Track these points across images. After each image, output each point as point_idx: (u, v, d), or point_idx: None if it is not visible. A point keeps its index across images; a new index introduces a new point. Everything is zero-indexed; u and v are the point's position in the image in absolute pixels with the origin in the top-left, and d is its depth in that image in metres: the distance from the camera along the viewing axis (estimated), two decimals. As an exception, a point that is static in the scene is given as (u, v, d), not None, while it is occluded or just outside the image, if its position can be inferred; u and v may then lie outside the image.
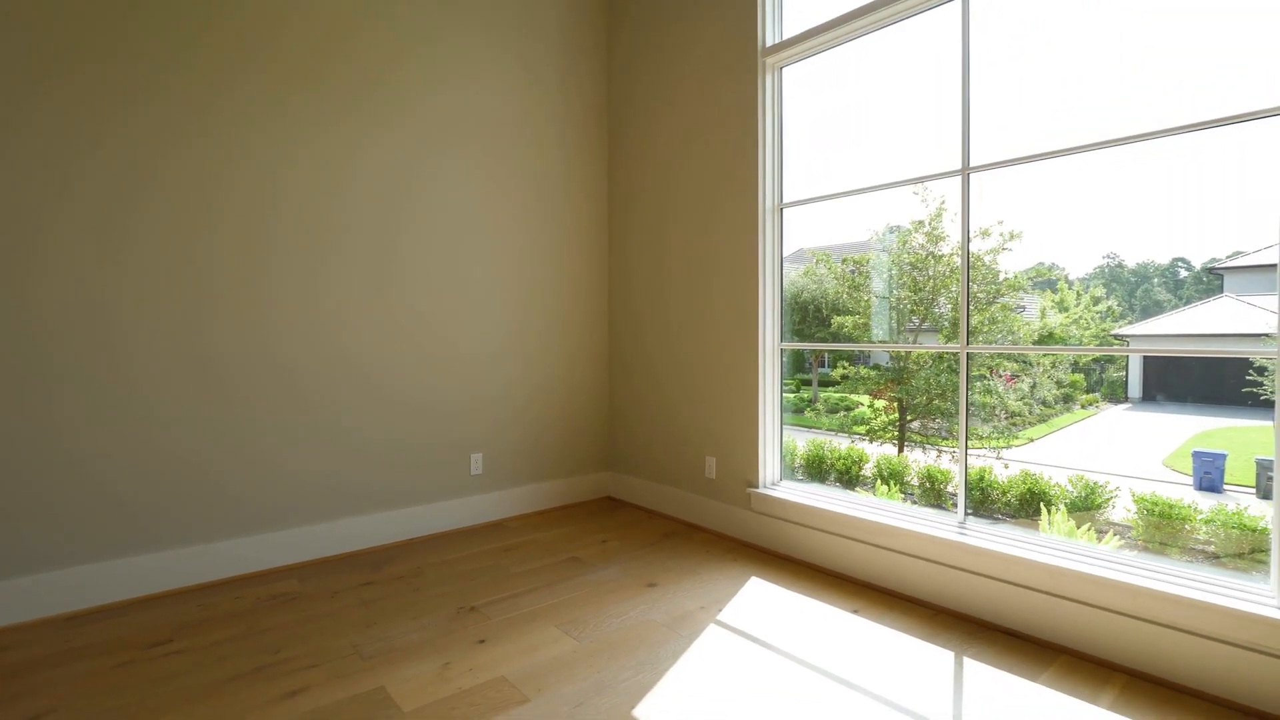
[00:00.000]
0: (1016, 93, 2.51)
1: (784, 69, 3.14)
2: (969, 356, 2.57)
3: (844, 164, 3.14)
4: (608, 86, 4.05)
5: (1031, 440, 3.67)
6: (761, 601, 2.54)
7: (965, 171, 2.50)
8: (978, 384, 3.89)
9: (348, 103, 3.07)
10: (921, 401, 3.93)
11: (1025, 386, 3.80)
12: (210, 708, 1.84)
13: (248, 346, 2.82)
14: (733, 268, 3.27)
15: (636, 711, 1.81)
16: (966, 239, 2.54)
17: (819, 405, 4.52)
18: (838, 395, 4.49)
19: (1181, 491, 2.85)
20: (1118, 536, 3.12)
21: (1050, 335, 3.43)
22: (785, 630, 2.29)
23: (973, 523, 2.51)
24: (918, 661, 2.08)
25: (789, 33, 3.09)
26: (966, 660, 2.08)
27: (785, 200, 3.20)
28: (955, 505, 2.57)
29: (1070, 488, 3.41)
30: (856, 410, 4.35)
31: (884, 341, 3.74)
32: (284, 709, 1.83)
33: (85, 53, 2.45)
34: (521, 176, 3.69)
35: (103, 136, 2.49)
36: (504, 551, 3.12)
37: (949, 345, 2.96)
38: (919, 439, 3.94)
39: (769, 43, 3.12)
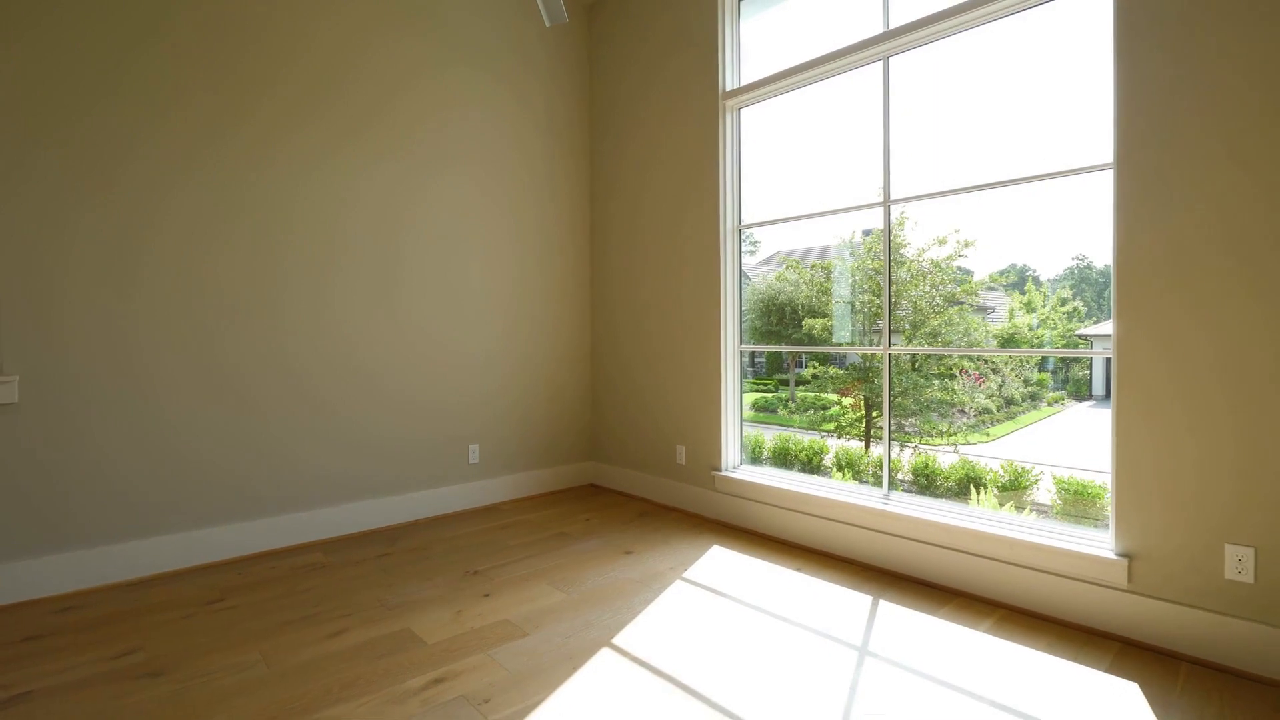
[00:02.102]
0: (941, 132, 3.02)
1: (742, 110, 3.64)
2: (893, 358, 3.06)
3: (798, 187, 3.62)
4: (589, 117, 4.52)
5: (989, 436, 4.12)
6: (721, 563, 3.02)
7: (886, 204, 3.01)
8: (935, 382, 4.36)
9: (354, 129, 3.48)
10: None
11: (994, 386, 4.25)
12: (272, 644, 2.28)
13: (263, 359, 3.22)
14: (698, 280, 3.76)
15: (615, 640, 2.28)
16: (889, 260, 3.05)
17: (791, 404, 4.95)
18: (813, 395, 4.92)
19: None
20: (1035, 512, 3.63)
21: (1013, 337, 3.82)
22: (739, 584, 2.78)
23: (895, 495, 3.01)
24: (844, 604, 2.57)
25: (746, 80, 3.59)
26: (882, 602, 2.58)
27: (743, 223, 3.69)
28: (901, 487, 3.07)
29: (1002, 473, 3.92)
30: (833, 409, 4.76)
31: (848, 344, 4.17)
32: (331, 644, 2.27)
33: (93, 89, 2.78)
34: (512, 195, 4.14)
35: (113, 172, 2.81)
36: (500, 529, 3.57)
37: (872, 348, 3.45)
38: (895, 436, 4.31)
39: (728, 87, 3.62)
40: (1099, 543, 2.36)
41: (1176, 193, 2.12)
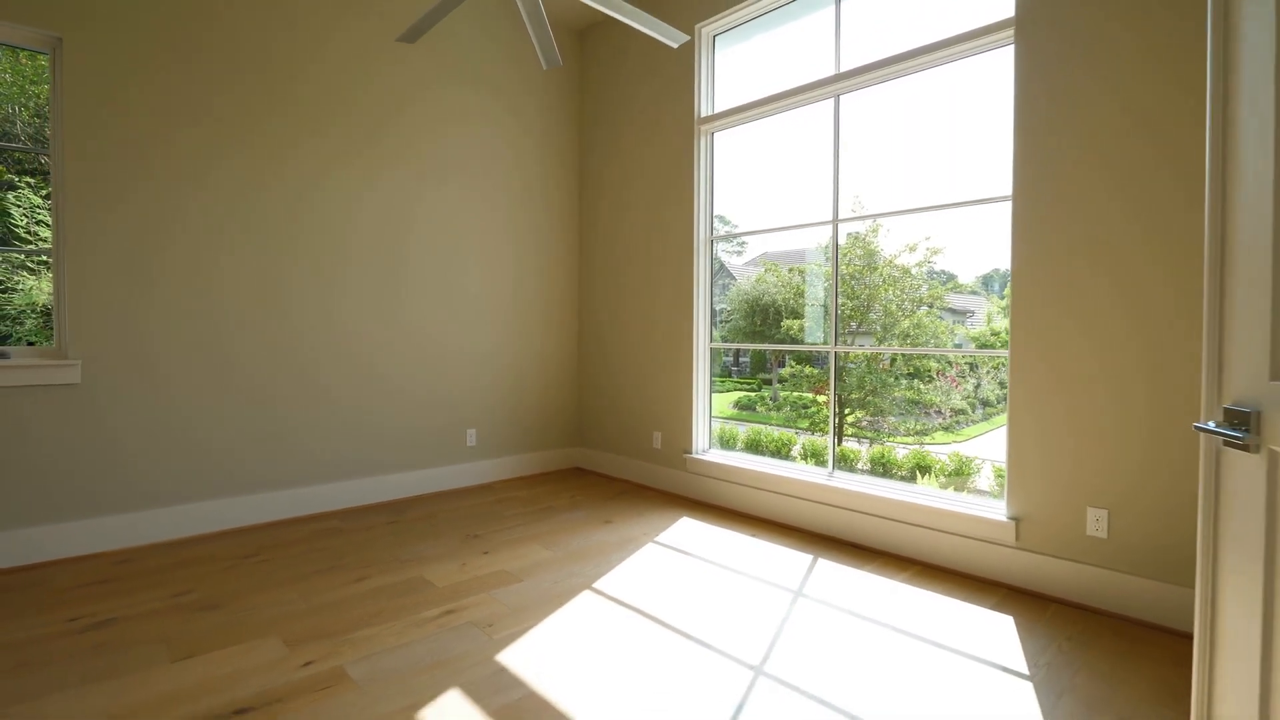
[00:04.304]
0: (890, 156, 3.50)
1: (715, 134, 4.10)
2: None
3: (772, 199, 4.08)
4: (579, 132, 4.97)
5: (960, 436, 4.50)
6: (688, 531, 3.49)
7: (835, 222, 3.49)
8: (902, 382, 4.78)
9: (360, 142, 3.87)
10: (857, 397, 4.78)
11: (970, 388, 4.64)
12: (305, 587, 2.71)
13: (276, 358, 3.61)
14: (674, 285, 4.23)
15: (595, 585, 2.74)
16: (836, 273, 3.53)
17: (771, 402, 5.33)
18: (795, 395, 5.31)
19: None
20: (974, 494, 4.10)
21: (981, 340, 4.12)
22: (702, 546, 3.25)
23: (838, 473, 3.50)
24: (788, 561, 3.05)
25: (719, 108, 4.06)
26: (820, 560, 3.07)
27: (715, 234, 4.16)
28: (861, 471, 3.54)
29: (949, 463, 4.41)
30: (812, 408, 5.12)
31: (806, 343, 4.59)
32: (356, 587, 2.72)
33: (112, 106, 3.13)
34: (509, 203, 4.58)
35: (127, 184, 3.16)
36: (495, 502, 4.02)
37: (820, 346, 3.93)
38: (866, 434, 4.65)
39: (703, 114, 4.08)
40: (995, 509, 2.86)
41: (1055, 221, 2.62)
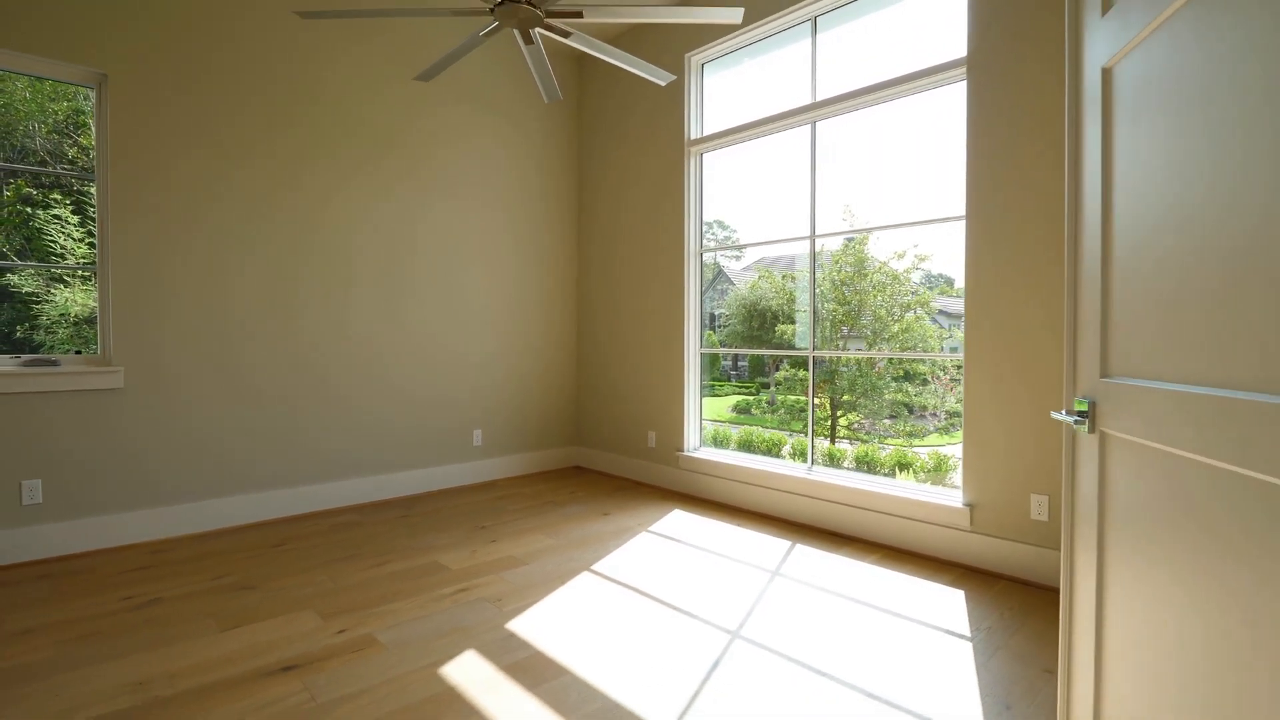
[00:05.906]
0: (864, 175, 3.82)
1: (704, 155, 4.42)
2: (814, 361, 3.85)
3: (761, 210, 4.40)
4: (578, 148, 5.28)
5: (947, 439, 4.76)
6: (679, 522, 3.79)
7: (812, 237, 3.81)
8: (892, 385, 5.05)
9: (369, 159, 4.16)
10: (849, 399, 5.03)
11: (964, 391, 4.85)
12: (331, 571, 3.01)
13: (292, 366, 3.92)
14: (666, 295, 4.54)
15: (593, 567, 3.04)
16: (813, 282, 3.84)
17: (766, 405, 5.57)
18: (793, 398, 5.55)
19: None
20: (937, 486, 4.39)
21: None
22: (691, 534, 3.55)
23: (817, 468, 3.81)
24: (768, 546, 3.35)
25: (708, 130, 4.38)
26: (798, 545, 3.37)
27: (705, 247, 4.48)
28: (847, 469, 3.84)
29: (929, 460, 4.70)
30: (808, 411, 5.32)
31: (790, 347, 4.85)
32: (377, 570, 3.01)
33: (136, 131, 3.48)
34: (510, 215, 4.89)
35: (157, 203, 3.46)
36: (500, 499, 4.31)
37: (799, 351, 4.23)
38: (859, 436, 4.86)
39: (693, 136, 4.40)
40: (952, 497, 3.17)
41: (999, 236, 2.94)
